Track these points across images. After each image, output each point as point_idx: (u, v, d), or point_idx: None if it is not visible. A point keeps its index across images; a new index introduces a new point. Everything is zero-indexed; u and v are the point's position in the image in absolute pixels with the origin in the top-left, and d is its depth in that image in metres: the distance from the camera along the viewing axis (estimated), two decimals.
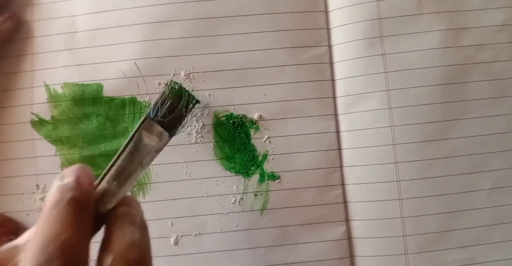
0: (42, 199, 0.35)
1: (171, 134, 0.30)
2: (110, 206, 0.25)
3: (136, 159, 0.28)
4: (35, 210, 0.35)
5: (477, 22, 0.36)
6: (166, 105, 0.30)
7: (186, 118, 0.31)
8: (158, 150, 0.29)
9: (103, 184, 0.26)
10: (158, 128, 0.29)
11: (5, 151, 0.35)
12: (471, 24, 0.36)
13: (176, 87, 0.31)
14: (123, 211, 0.25)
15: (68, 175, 0.24)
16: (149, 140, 0.29)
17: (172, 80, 0.32)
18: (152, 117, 0.29)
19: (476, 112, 0.35)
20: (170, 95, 0.30)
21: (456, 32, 0.36)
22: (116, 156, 0.27)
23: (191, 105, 0.31)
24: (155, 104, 0.30)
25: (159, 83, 0.35)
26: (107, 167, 0.27)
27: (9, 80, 0.36)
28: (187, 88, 0.32)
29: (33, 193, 0.35)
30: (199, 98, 0.33)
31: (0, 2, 0.36)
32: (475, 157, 0.35)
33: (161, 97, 0.30)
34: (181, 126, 0.31)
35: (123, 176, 0.27)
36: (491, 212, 0.35)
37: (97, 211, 0.24)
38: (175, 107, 0.30)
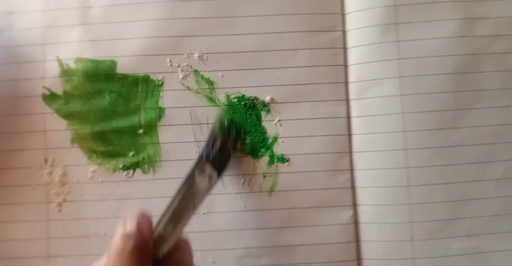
0: (50, 173, 0.35)
1: (221, 174, 0.30)
2: (165, 250, 0.26)
3: (190, 201, 0.28)
4: (42, 185, 0.35)
5: (492, 13, 0.36)
6: (217, 146, 0.30)
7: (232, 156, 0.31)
8: (208, 191, 0.29)
9: (160, 228, 0.27)
10: (209, 169, 0.29)
11: (15, 124, 0.35)
12: (486, 14, 0.36)
13: (226, 125, 0.31)
14: (177, 258, 0.26)
15: (131, 222, 0.25)
16: (201, 181, 0.29)
17: (221, 114, 0.33)
18: (205, 159, 0.29)
19: (487, 102, 0.35)
20: (220, 134, 0.30)
21: (471, 22, 0.36)
22: (171, 199, 0.28)
23: (239, 143, 0.31)
24: (207, 145, 0.30)
25: (170, 61, 0.35)
26: (164, 211, 0.27)
27: (20, 52, 0.36)
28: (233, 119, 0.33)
29: (41, 167, 0.35)
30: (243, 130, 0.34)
31: None
32: (484, 147, 0.35)
33: (212, 136, 0.30)
34: (229, 164, 0.31)
35: (178, 219, 0.27)
36: (499, 202, 0.35)
37: (154, 255, 0.25)
38: (225, 147, 0.30)
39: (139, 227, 0.25)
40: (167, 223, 0.27)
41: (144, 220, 0.26)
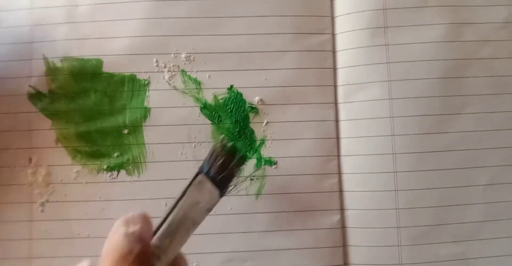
0: (34, 173, 0.34)
1: (222, 193, 0.28)
2: (161, 265, 0.24)
3: (187, 217, 0.26)
4: (25, 184, 0.34)
5: (480, 18, 0.36)
6: (219, 162, 0.28)
7: (237, 178, 0.29)
8: (209, 209, 0.27)
9: (156, 241, 0.25)
10: (209, 185, 0.27)
11: (0, 123, 0.35)
12: (474, 20, 0.36)
13: (228, 145, 0.29)
14: None
15: (134, 222, 0.23)
16: (200, 197, 0.27)
17: (224, 137, 0.32)
18: (204, 172, 0.27)
19: (474, 107, 0.35)
20: (222, 152, 0.28)
21: (459, 27, 0.36)
22: (167, 211, 0.26)
23: (243, 165, 0.30)
24: (208, 160, 0.28)
25: (157, 61, 0.35)
26: (159, 223, 0.25)
27: (6, 50, 0.35)
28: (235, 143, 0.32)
29: (25, 166, 0.35)
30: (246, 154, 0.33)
31: None
32: (471, 152, 0.35)
33: (213, 153, 0.28)
34: (233, 186, 0.29)
35: (174, 234, 0.25)
36: (485, 208, 0.35)
37: None
38: (227, 166, 0.28)
39: (143, 230, 0.23)
40: (162, 237, 0.25)
41: (147, 224, 0.23)
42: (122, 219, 0.23)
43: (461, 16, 0.36)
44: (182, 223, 0.26)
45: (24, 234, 0.34)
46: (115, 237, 0.22)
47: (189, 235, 0.26)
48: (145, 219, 0.24)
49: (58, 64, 0.35)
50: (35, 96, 0.35)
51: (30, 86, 0.35)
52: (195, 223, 0.27)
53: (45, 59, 0.35)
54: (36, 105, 0.35)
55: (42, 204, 0.34)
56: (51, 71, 0.35)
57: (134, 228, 0.22)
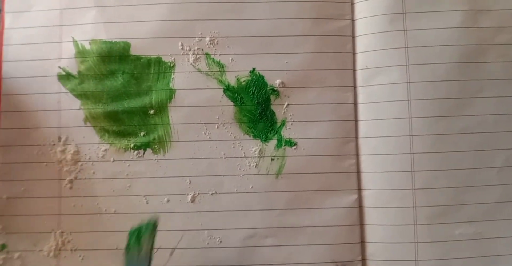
0: (63, 151, 0.36)
1: None
2: None
3: None
4: (55, 162, 0.36)
5: (496, 5, 0.37)
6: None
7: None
8: None
9: None
10: None
11: (30, 103, 0.36)
12: (491, 6, 0.37)
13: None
14: None
15: None
16: None
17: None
18: None
19: (490, 91, 0.36)
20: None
21: (476, 13, 0.37)
22: None
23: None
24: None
25: (182, 44, 0.36)
26: None
27: (37, 33, 0.37)
28: None
29: (54, 145, 0.36)
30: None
31: None
32: (487, 135, 0.36)
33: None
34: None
35: None
36: (500, 190, 0.36)
37: None
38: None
39: None
40: None
41: None
42: None
43: (478, 3, 0.37)
44: None
45: (53, 209, 0.35)
46: None
47: None
48: None
49: (87, 46, 0.36)
50: (65, 77, 0.36)
51: (60, 67, 0.36)
52: None
53: (75, 41, 0.37)
54: (66, 86, 0.36)
55: (71, 181, 0.36)
56: (80, 53, 0.36)
57: None
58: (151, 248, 0.34)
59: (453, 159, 0.36)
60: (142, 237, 0.34)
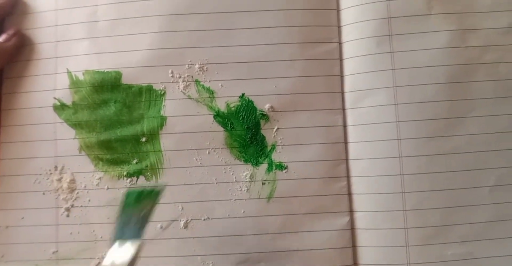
0: (59, 179, 0.37)
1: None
2: None
3: None
4: (52, 191, 0.37)
5: (484, 24, 0.37)
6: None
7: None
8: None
9: None
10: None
11: (27, 133, 0.37)
12: (478, 26, 0.37)
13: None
14: None
15: None
16: None
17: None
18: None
19: (480, 111, 0.36)
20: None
21: (463, 33, 0.37)
22: None
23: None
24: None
25: (172, 72, 0.37)
26: None
27: (34, 66, 0.38)
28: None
29: (51, 174, 0.37)
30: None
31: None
32: (478, 154, 0.36)
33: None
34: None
35: None
36: (492, 209, 0.36)
37: None
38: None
39: None
40: None
41: None
42: None
43: (465, 22, 0.37)
44: None
45: (51, 237, 0.36)
46: None
47: None
48: None
49: (81, 77, 0.37)
50: (60, 108, 0.37)
51: (55, 98, 0.37)
52: None
53: (69, 73, 0.38)
54: (61, 116, 0.37)
55: (68, 209, 0.37)
56: (74, 84, 0.37)
57: None
58: (149, 215, 0.31)
59: (444, 180, 0.36)
60: (142, 200, 0.31)
